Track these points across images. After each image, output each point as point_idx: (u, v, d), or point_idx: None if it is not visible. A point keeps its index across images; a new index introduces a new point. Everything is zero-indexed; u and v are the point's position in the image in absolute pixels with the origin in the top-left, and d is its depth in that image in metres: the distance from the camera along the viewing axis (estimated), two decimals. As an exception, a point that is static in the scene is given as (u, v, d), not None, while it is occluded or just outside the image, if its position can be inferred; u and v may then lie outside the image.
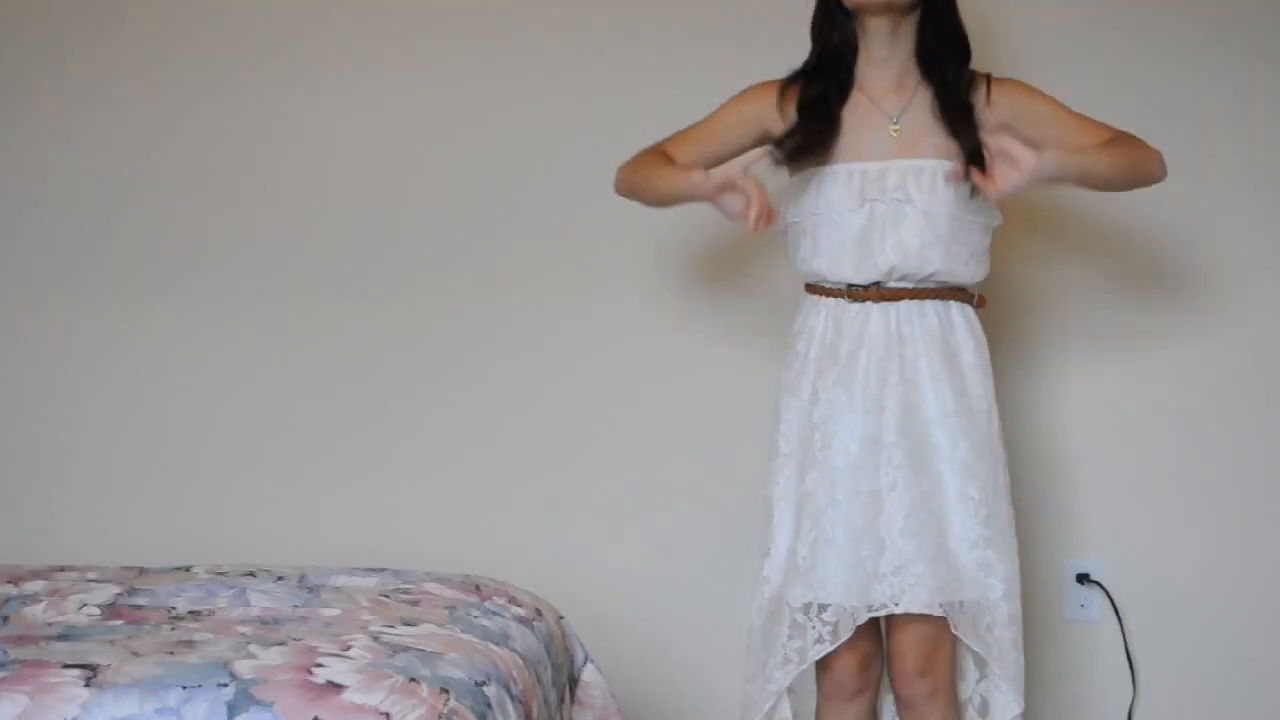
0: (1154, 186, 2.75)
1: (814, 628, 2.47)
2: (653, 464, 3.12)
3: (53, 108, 3.23)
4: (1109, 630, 3.11)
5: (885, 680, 2.64)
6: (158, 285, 3.22)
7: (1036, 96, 2.57)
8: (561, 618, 2.68)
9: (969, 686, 2.60)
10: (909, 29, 2.52)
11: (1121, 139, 2.53)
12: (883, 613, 2.45)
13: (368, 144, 3.19)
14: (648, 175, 2.61)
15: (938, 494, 2.47)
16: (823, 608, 2.47)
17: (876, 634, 2.58)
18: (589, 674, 2.65)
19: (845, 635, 2.46)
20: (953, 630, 2.45)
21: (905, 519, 2.44)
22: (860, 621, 2.46)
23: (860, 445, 2.48)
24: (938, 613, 2.43)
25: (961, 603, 2.45)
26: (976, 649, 2.48)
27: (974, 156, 2.46)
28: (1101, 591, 3.11)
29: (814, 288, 2.57)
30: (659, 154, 2.63)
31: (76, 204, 3.23)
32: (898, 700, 2.57)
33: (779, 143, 2.52)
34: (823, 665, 2.55)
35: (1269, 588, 3.10)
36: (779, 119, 2.56)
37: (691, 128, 2.64)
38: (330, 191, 3.20)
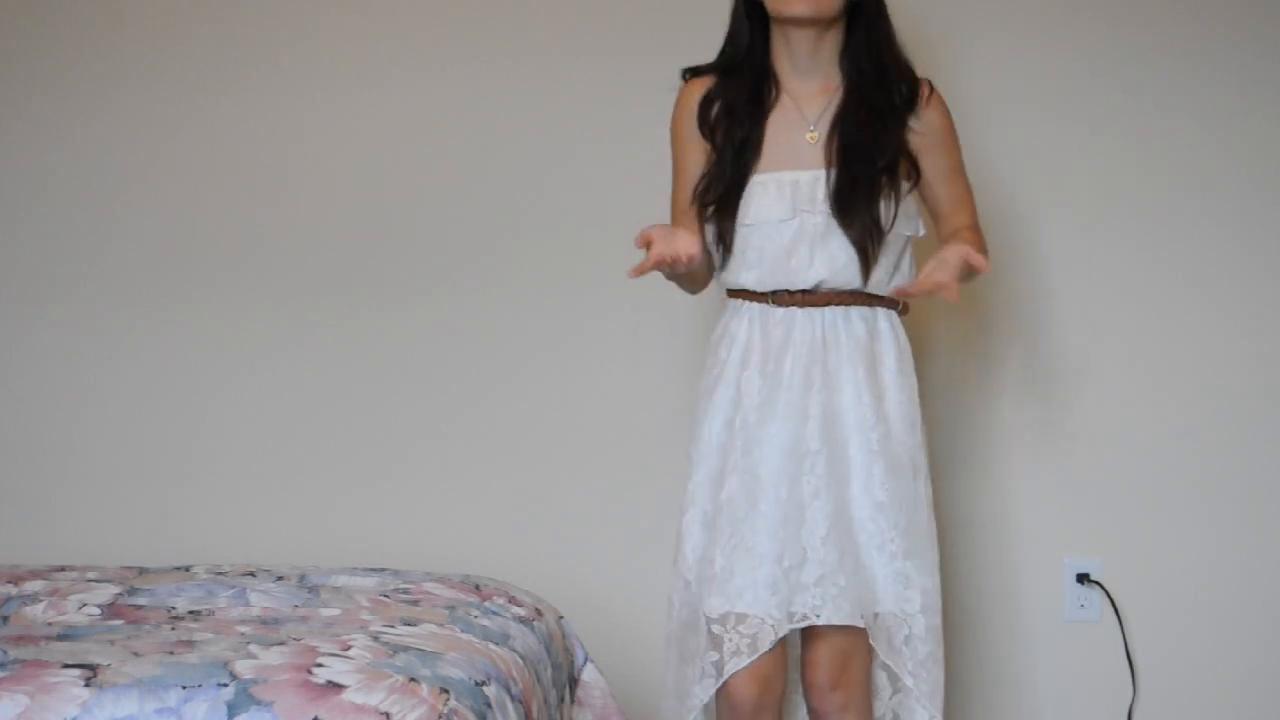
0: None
1: (731, 640, 2.40)
2: (653, 464, 3.12)
3: (55, 111, 3.23)
4: (1109, 630, 3.11)
5: (796, 699, 2.61)
6: (159, 286, 3.22)
7: (950, 139, 2.53)
8: (561, 618, 2.68)
9: (882, 703, 2.53)
10: (835, 36, 2.47)
11: (978, 235, 2.51)
12: (804, 624, 2.39)
13: (373, 146, 3.19)
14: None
15: (855, 503, 2.43)
16: (741, 618, 2.40)
17: (780, 654, 2.47)
18: (589, 674, 2.65)
19: (764, 648, 2.39)
20: (870, 643, 2.42)
21: (828, 529, 2.39)
22: (782, 634, 2.39)
23: (783, 453, 2.42)
24: (860, 624, 2.39)
25: (877, 615, 2.42)
26: (890, 663, 2.43)
27: (890, 164, 2.44)
28: (1101, 591, 3.11)
29: (737, 293, 2.52)
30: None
31: (79, 205, 3.24)
32: (811, 713, 2.52)
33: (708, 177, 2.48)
34: (720, 685, 2.46)
35: (1269, 587, 3.10)
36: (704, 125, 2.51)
37: (674, 190, 2.57)
38: (330, 195, 3.20)
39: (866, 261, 2.42)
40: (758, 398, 2.46)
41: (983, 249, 2.46)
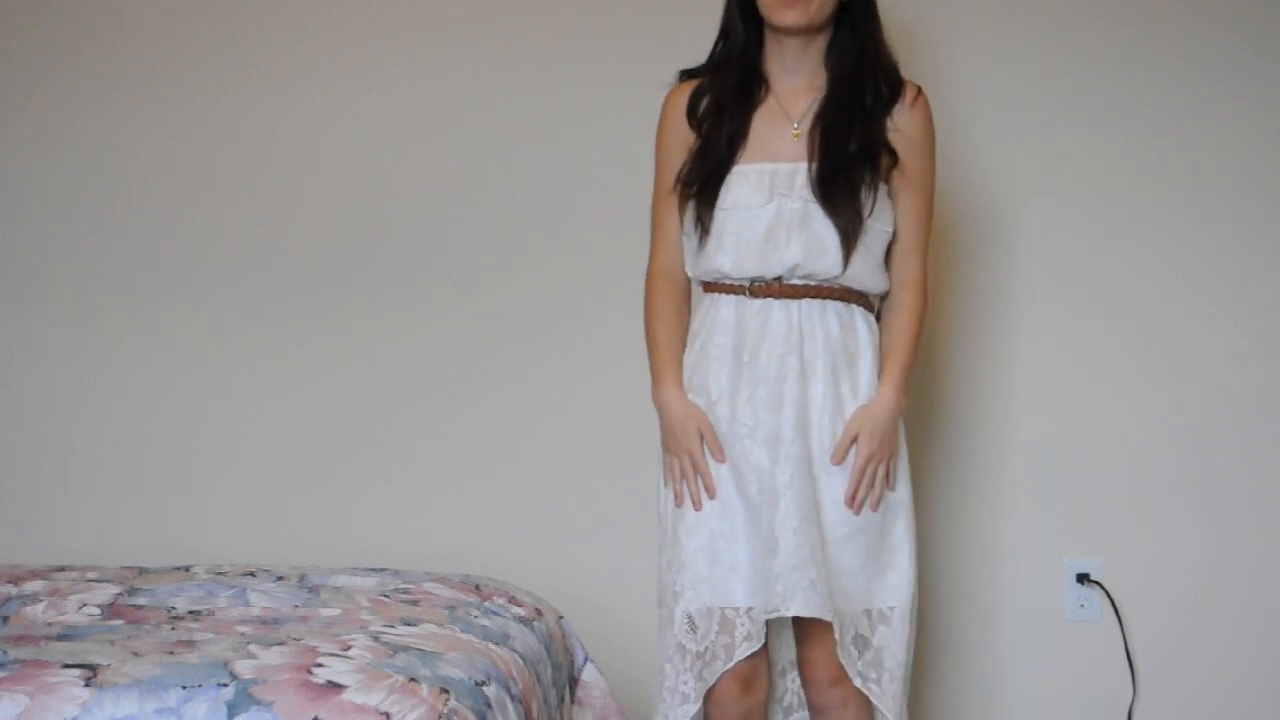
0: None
1: (743, 624, 2.43)
2: (653, 465, 3.11)
3: (55, 111, 3.23)
4: (1109, 630, 3.11)
5: (772, 706, 2.62)
6: (159, 287, 3.22)
7: (927, 148, 2.51)
8: (561, 618, 2.68)
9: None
10: (823, 38, 2.50)
11: (917, 302, 2.52)
12: (774, 615, 2.40)
13: (373, 147, 3.19)
14: (651, 335, 2.57)
15: (821, 497, 2.43)
16: (749, 610, 2.43)
17: (762, 651, 2.48)
18: (589, 674, 2.65)
19: (763, 638, 2.42)
20: (837, 635, 2.40)
21: (800, 520, 2.40)
22: (761, 623, 2.41)
23: (763, 444, 2.44)
24: (828, 618, 2.38)
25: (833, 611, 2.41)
26: (840, 660, 2.42)
27: (869, 155, 2.44)
28: (1101, 591, 3.11)
29: (713, 286, 2.52)
30: (669, 306, 2.57)
31: (79, 205, 3.23)
32: (811, 707, 2.53)
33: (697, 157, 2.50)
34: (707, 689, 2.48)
35: (1269, 587, 3.10)
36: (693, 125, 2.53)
37: (655, 201, 2.58)
38: (330, 195, 3.19)
39: (848, 246, 2.43)
40: (736, 390, 2.47)
41: (923, 304, 2.53)
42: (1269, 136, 3.08)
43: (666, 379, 2.54)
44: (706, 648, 2.45)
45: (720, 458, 2.47)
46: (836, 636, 2.41)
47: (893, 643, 2.46)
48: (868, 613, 2.45)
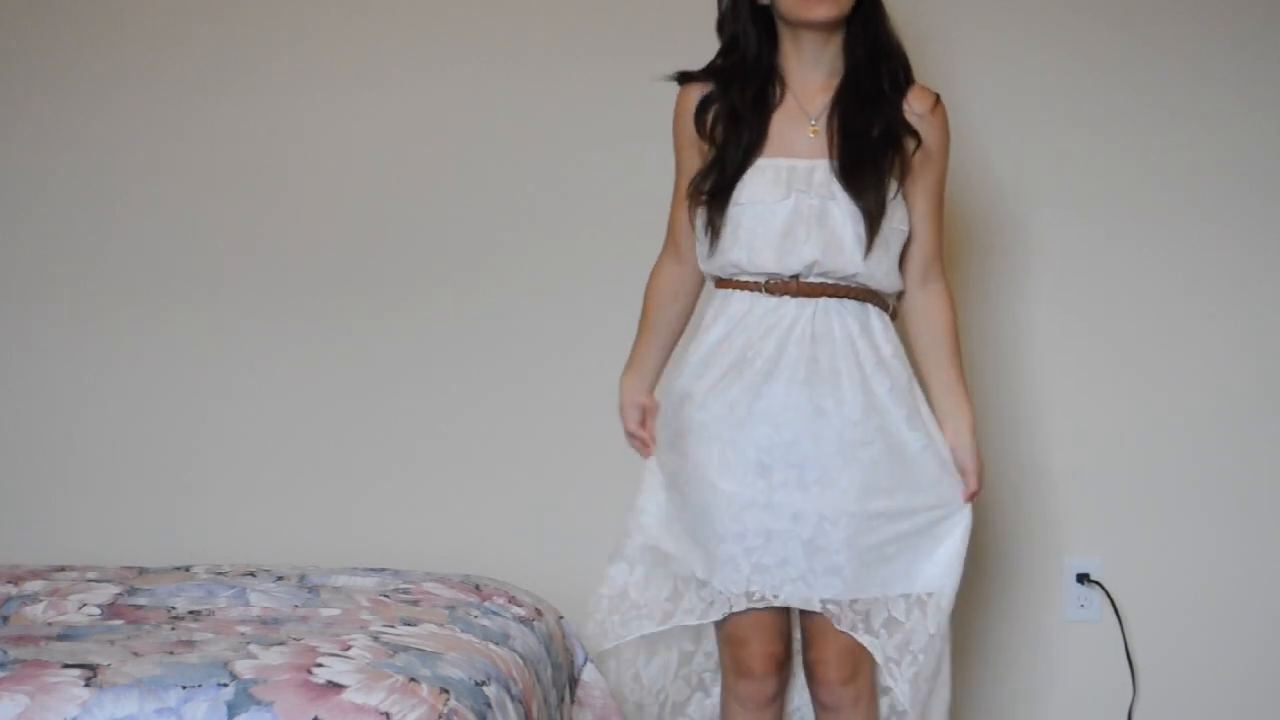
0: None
1: (688, 598, 2.47)
2: (653, 464, 3.12)
3: (55, 111, 3.23)
4: (1109, 630, 3.12)
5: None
6: (159, 286, 3.22)
7: (942, 157, 2.52)
8: (561, 618, 2.68)
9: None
10: (840, 32, 2.49)
11: (954, 316, 2.56)
12: (762, 604, 2.41)
13: (373, 146, 3.19)
14: (639, 330, 2.69)
15: (842, 493, 2.42)
16: (702, 584, 2.46)
17: (785, 638, 2.52)
18: (589, 674, 2.65)
19: (714, 617, 2.44)
20: (837, 626, 2.41)
21: (796, 513, 2.40)
22: (738, 609, 2.42)
23: (764, 435, 2.43)
24: (815, 608, 2.39)
25: (854, 601, 2.41)
26: (865, 643, 2.42)
27: (890, 135, 2.44)
28: (1101, 591, 3.11)
29: (727, 282, 2.51)
30: (660, 300, 2.65)
31: (79, 205, 3.23)
32: (819, 705, 2.52)
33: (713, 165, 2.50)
34: (740, 670, 2.50)
35: (1269, 587, 3.10)
36: (701, 130, 2.52)
37: (674, 201, 2.59)
38: (330, 195, 3.20)
39: (873, 229, 2.41)
40: (745, 386, 2.45)
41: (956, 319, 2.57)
42: (1269, 136, 3.08)
43: (628, 370, 2.70)
44: (661, 603, 2.50)
45: (647, 448, 2.65)
46: (847, 628, 2.41)
47: (920, 628, 2.45)
48: (906, 597, 2.44)
